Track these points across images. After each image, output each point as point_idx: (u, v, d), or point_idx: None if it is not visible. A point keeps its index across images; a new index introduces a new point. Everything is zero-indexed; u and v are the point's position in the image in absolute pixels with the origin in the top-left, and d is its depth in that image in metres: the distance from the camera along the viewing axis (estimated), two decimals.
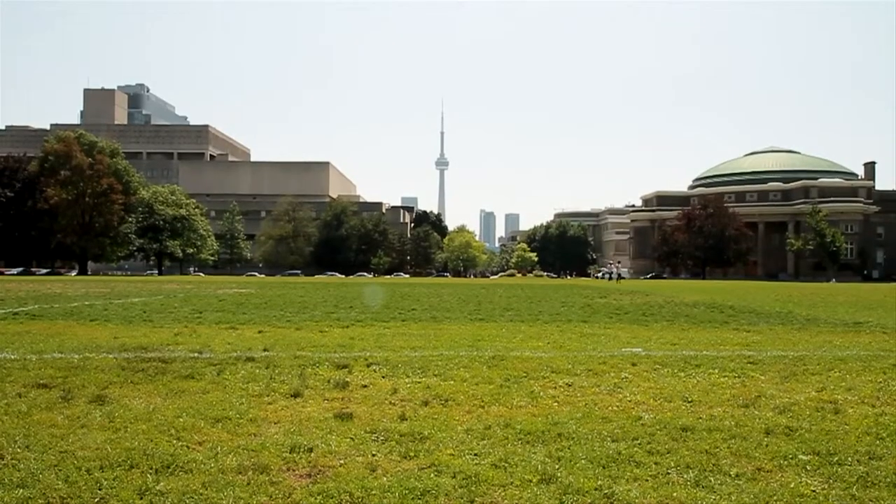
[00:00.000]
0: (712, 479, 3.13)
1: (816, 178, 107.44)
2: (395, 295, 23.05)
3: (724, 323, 11.80)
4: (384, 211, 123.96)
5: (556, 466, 3.26)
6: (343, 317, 12.55)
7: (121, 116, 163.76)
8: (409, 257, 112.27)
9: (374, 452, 3.49)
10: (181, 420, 4.05)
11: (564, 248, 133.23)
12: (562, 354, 7.30)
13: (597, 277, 72.08)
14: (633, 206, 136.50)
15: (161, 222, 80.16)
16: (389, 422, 4.12)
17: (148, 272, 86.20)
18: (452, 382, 5.48)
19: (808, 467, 3.32)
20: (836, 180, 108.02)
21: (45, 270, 76.47)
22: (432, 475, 3.13)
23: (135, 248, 79.82)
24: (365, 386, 5.33)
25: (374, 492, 2.89)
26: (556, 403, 4.75)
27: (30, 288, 26.96)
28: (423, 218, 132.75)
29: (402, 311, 14.21)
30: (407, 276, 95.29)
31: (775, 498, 2.90)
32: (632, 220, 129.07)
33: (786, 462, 3.40)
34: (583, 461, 3.36)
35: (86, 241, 70.99)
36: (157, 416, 4.18)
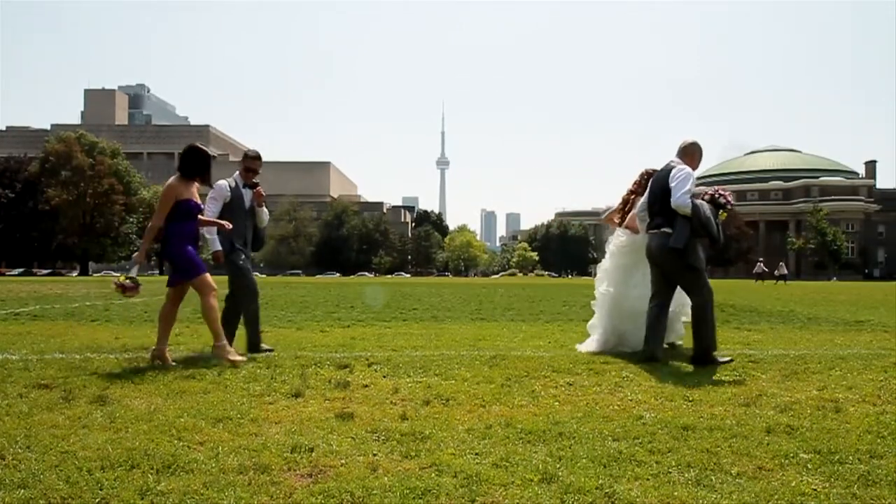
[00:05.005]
0: (713, 477, 3.12)
1: (817, 177, 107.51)
2: (396, 295, 23.04)
3: (725, 322, 11.77)
4: (385, 211, 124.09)
5: (558, 466, 3.25)
6: (344, 316, 12.54)
7: (121, 117, 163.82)
8: (410, 257, 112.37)
9: (375, 452, 3.48)
10: (182, 420, 4.05)
11: (566, 247, 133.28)
12: (563, 354, 7.28)
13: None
14: None
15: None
16: (390, 421, 4.12)
17: (149, 272, 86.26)
18: (453, 382, 5.47)
19: (809, 466, 3.31)
20: (837, 179, 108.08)
21: (46, 271, 76.50)
22: (433, 475, 3.12)
23: (136, 249, 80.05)
24: (366, 386, 5.32)
25: (375, 491, 2.89)
26: (557, 403, 4.74)
27: (31, 289, 26.98)
28: (424, 218, 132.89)
29: (403, 311, 14.20)
30: (408, 275, 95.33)
31: (776, 497, 2.89)
32: None
33: (787, 461, 3.39)
34: (584, 460, 3.35)
35: (87, 242, 71.12)
36: (158, 416, 4.17)
